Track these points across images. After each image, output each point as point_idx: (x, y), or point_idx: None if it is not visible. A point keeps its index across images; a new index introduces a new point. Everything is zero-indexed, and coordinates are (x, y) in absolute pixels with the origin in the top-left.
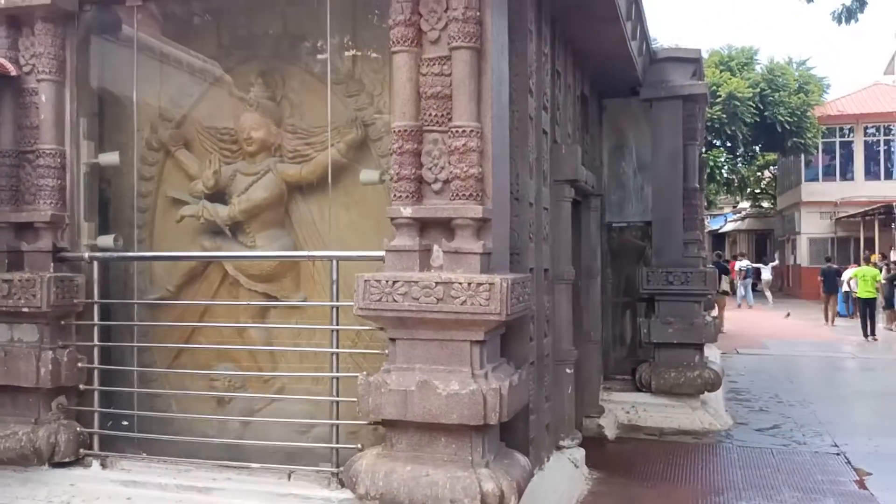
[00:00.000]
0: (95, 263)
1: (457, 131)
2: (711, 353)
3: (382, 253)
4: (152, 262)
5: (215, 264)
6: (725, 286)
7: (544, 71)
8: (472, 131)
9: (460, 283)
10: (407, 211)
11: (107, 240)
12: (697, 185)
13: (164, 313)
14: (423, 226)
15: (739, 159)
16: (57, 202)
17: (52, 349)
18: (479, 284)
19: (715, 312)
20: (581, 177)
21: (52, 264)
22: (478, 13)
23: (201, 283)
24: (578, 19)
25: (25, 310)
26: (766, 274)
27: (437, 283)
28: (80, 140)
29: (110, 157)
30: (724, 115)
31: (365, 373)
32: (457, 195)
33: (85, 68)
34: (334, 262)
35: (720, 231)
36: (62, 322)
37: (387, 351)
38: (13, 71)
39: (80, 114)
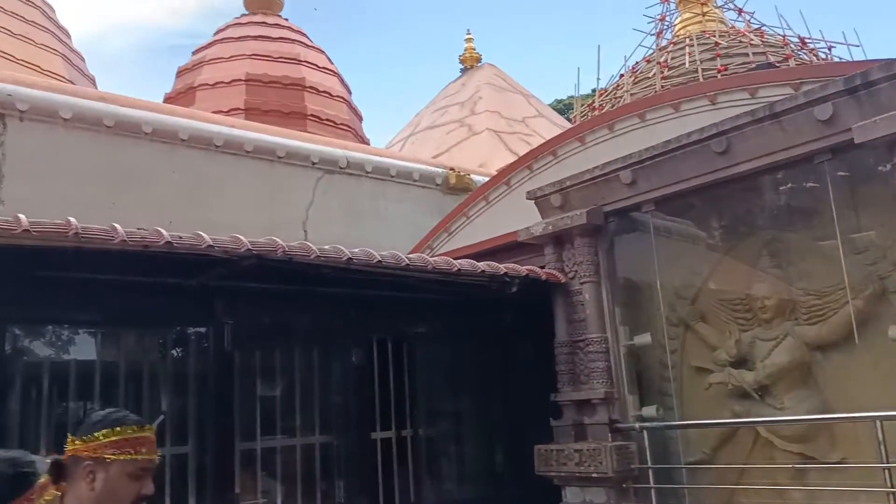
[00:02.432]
0: (645, 432)
1: None
2: None
3: None
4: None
5: (747, 427)
6: None
7: None
8: None
9: None
10: None
11: (650, 410)
12: None
13: (703, 475)
14: None
15: None
16: (606, 381)
17: None
18: None
19: None
20: None
21: (609, 434)
22: None
23: (734, 444)
24: None
25: (595, 475)
26: None
27: None
28: (616, 326)
29: (644, 339)
30: None
31: None
32: None
33: (613, 266)
34: (878, 422)
35: None
36: (622, 485)
37: None
38: (562, 279)
39: (615, 304)
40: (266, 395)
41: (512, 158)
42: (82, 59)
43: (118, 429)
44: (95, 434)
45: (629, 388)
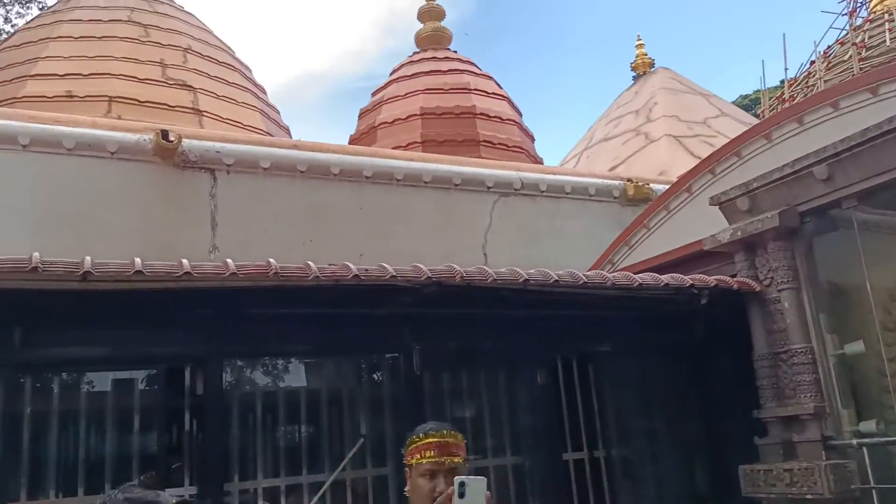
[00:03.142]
0: (864, 449)
1: None
2: None
3: None
4: None
5: None
6: None
7: None
8: None
9: None
10: None
11: (869, 425)
12: None
13: None
14: None
15: None
16: (815, 394)
17: None
18: None
19: None
20: None
21: (822, 452)
22: None
23: None
24: None
25: (809, 496)
26: None
27: None
28: (823, 335)
29: (856, 347)
30: None
31: None
32: None
33: (813, 270)
34: None
35: None
36: None
37: None
38: (756, 287)
39: (818, 311)
40: (456, 417)
41: (694, 163)
42: (277, 112)
43: (416, 437)
44: (407, 444)
45: (843, 402)
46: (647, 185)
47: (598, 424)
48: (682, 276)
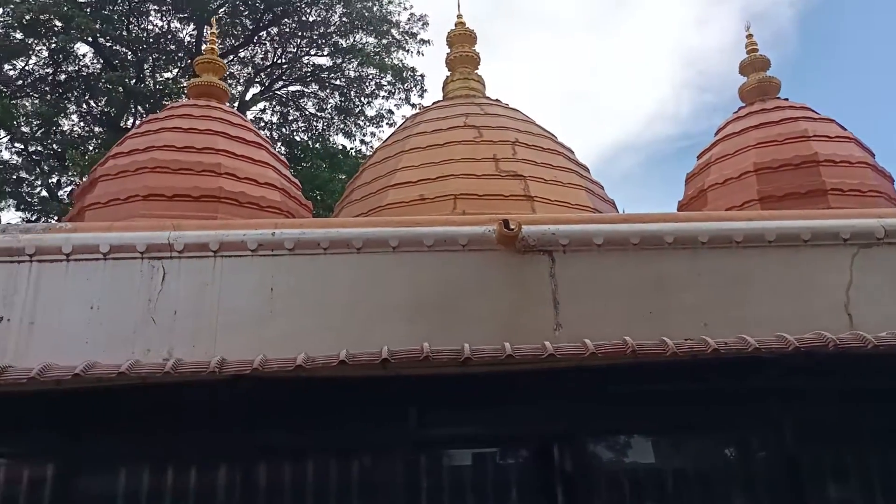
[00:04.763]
0: None
1: None
2: None
3: None
4: None
5: None
6: None
7: None
8: None
9: None
10: None
11: None
12: None
13: None
14: None
15: None
16: None
17: None
18: None
19: None
20: None
21: None
22: None
23: None
24: None
25: None
26: None
27: None
28: None
29: None
30: None
31: None
32: None
33: None
34: None
35: None
36: None
37: None
38: None
39: None
40: (843, 499)
41: None
42: (601, 187)
43: None
44: None
45: None
46: None
47: None
48: None
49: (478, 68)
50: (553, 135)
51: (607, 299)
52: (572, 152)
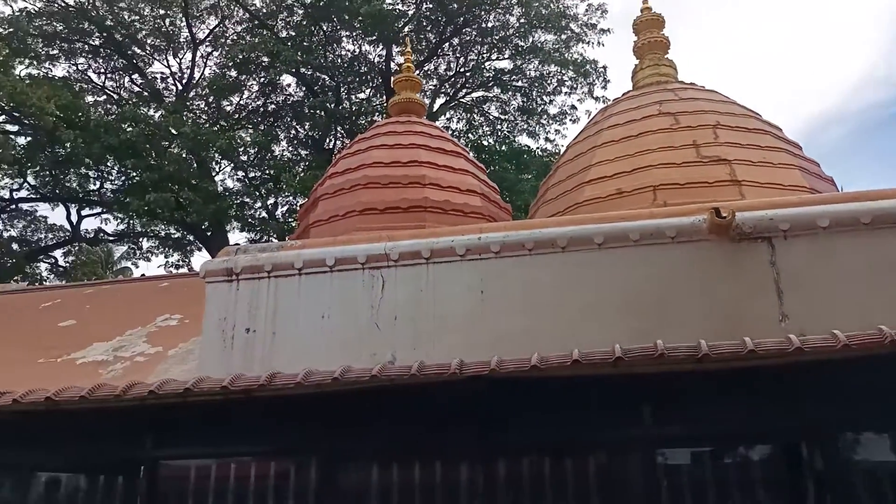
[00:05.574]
0: None
1: None
2: None
3: None
4: None
5: None
6: None
7: None
8: None
9: None
10: None
11: None
12: None
13: None
14: None
15: None
16: None
17: None
18: None
19: None
20: None
21: None
22: None
23: None
24: None
25: None
26: None
27: None
28: None
29: None
30: None
31: None
32: None
33: None
34: None
35: None
36: None
37: None
38: None
39: None
40: None
41: None
42: (817, 165)
43: None
44: None
45: None
46: None
47: None
48: None
49: (668, 53)
50: (757, 113)
51: (838, 286)
52: (780, 130)
